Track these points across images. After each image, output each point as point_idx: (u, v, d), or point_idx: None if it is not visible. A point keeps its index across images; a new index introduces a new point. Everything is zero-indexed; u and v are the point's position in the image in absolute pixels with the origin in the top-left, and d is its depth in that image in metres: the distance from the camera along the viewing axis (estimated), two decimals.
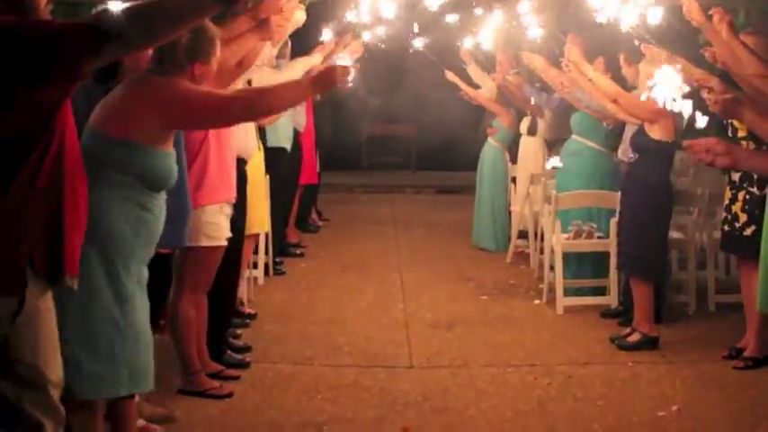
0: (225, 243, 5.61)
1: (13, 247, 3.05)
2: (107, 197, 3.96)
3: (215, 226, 5.48)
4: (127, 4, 3.04)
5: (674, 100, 4.45)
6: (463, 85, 10.44)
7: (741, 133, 6.17)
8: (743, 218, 6.24)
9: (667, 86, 4.46)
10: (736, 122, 6.20)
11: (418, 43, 10.15)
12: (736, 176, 6.33)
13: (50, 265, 3.18)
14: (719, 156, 3.96)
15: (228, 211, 5.62)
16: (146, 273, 4.30)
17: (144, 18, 3.02)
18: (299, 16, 5.78)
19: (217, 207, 5.48)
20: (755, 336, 6.20)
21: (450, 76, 10.39)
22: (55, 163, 3.14)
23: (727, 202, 6.48)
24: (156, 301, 4.67)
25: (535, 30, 7.78)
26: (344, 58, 8.55)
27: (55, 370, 3.28)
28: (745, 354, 6.23)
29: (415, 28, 10.10)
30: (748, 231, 6.15)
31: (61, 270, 3.23)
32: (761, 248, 5.43)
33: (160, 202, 4.25)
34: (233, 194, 5.66)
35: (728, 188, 6.49)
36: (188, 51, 4.53)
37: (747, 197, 6.22)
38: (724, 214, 6.51)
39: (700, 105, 4.93)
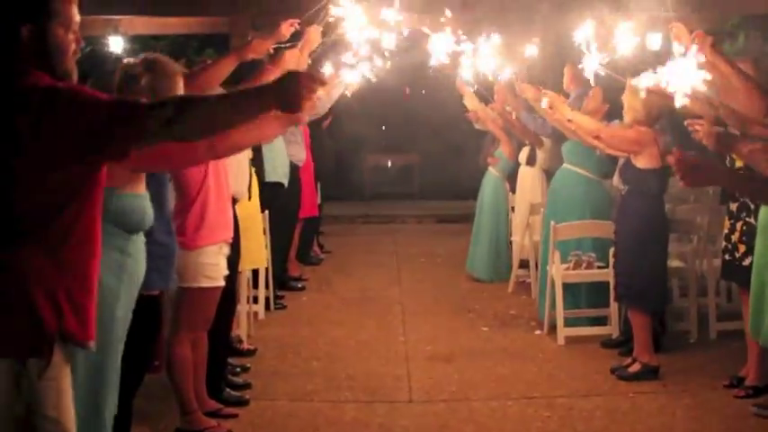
0: (223, 283, 5.62)
1: (50, 310, 3.08)
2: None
3: (214, 267, 5.50)
4: (178, 99, 3.09)
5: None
6: (475, 103, 10.21)
7: (739, 163, 6.17)
8: (741, 248, 6.23)
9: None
10: (735, 155, 6.21)
11: (433, 62, 10.04)
12: (734, 207, 6.33)
13: (79, 330, 3.21)
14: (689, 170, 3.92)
15: (227, 251, 5.64)
16: (129, 318, 4.31)
17: (192, 118, 3.09)
18: (302, 62, 5.82)
19: (216, 248, 5.51)
20: (756, 364, 6.17)
21: (463, 90, 10.17)
22: (84, 225, 3.18)
23: (726, 231, 6.48)
24: (148, 342, 4.68)
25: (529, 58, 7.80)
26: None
27: (73, 425, 3.30)
28: (747, 383, 6.20)
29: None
30: (746, 261, 6.12)
31: (87, 334, 3.26)
32: (751, 277, 5.43)
33: (138, 244, 4.26)
34: (230, 234, 5.68)
35: (727, 218, 6.49)
36: (149, 90, 4.50)
37: (745, 228, 6.21)
38: (724, 243, 6.51)
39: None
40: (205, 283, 5.47)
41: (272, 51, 5.29)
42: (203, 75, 5.45)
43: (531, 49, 7.30)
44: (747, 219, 6.20)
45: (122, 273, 4.15)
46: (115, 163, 3.32)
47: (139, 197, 4.21)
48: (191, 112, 3.08)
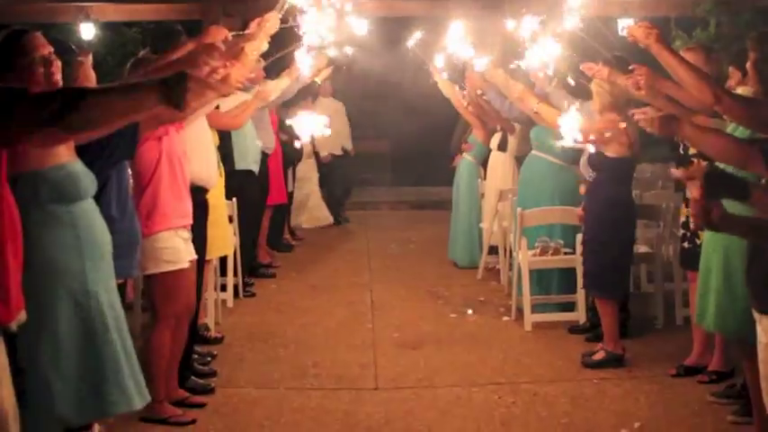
0: (187, 265, 5.61)
1: None
2: (38, 232, 3.94)
3: (172, 250, 5.49)
4: (69, 90, 3.11)
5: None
6: (448, 89, 10.29)
7: (692, 150, 6.18)
8: (701, 235, 6.24)
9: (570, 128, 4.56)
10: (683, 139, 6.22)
11: (411, 42, 10.04)
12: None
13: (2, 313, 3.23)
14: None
15: (185, 235, 5.62)
16: (111, 286, 4.30)
17: (92, 107, 3.11)
18: (263, 45, 5.78)
19: (171, 233, 5.49)
20: (719, 350, 6.21)
21: (437, 77, 10.20)
22: None
23: (683, 219, 6.48)
24: None
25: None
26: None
27: (13, 406, 3.30)
28: (710, 368, 6.24)
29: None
30: None
31: (10, 316, 3.27)
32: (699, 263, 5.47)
33: (88, 213, 4.21)
34: (187, 221, 5.66)
35: (684, 205, 6.50)
36: None
37: None
38: (682, 231, 6.51)
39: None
40: (165, 268, 5.48)
41: (230, 38, 5.24)
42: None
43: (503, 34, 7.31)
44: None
45: (81, 246, 4.12)
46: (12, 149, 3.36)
47: (66, 166, 4.11)
48: (82, 103, 3.10)
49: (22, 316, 3.46)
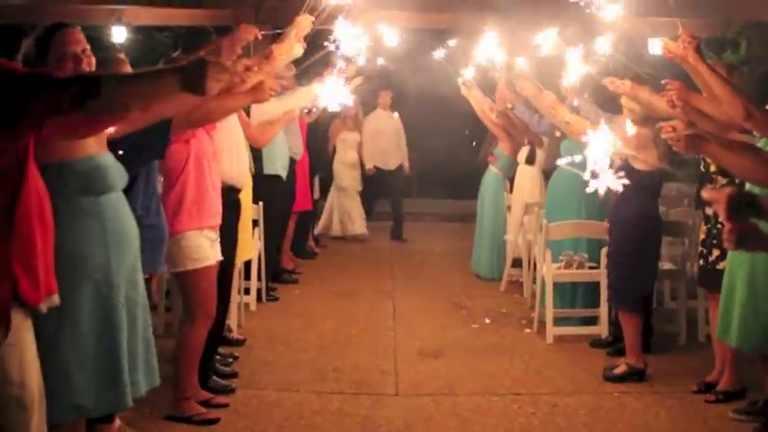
0: (213, 263, 5.65)
1: None
2: (65, 222, 3.97)
3: (196, 248, 5.53)
4: (92, 75, 3.17)
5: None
6: (475, 104, 10.35)
7: (713, 168, 6.19)
8: (715, 252, 6.23)
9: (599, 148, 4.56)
10: (707, 157, 6.22)
11: (438, 54, 10.10)
12: (710, 211, 6.31)
13: (33, 293, 3.27)
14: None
15: (212, 235, 5.66)
16: (136, 279, 4.34)
17: (113, 92, 3.19)
18: (297, 49, 5.83)
19: (196, 232, 5.53)
20: (729, 370, 6.20)
21: (465, 91, 10.24)
22: (28, 201, 3.23)
23: (702, 236, 6.47)
24: None
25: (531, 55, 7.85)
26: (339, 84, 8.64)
27: (40, 390, 3.35)
28: (719, 387, 6.23)
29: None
30: (720, 266, 6.09)
31: (38, 297, 3.32)
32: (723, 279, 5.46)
33: (115, 204, 4.23)
34: (214, 222, 5.69)
35: (703, 223, 6.49)
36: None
37: (719, 232, 6.16)
38: (700, 249, 6.49)
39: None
40: (191, 266, 5.52)
41: (259, 36, 5.29)
42: None
43: (535, 47, 7.34)
44: (721, 223, 6.19)
45: (107, 237, 4.15)
46: (38, 135, 3.39)
47: (94, 158, 4.14)
48: (104, 88, 3.17)
49: (54, 300, 3.51)
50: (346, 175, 13.15)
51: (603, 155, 4.88)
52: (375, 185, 13.76)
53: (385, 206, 14.16)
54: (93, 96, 3.11)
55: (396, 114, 13.56)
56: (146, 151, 4.78)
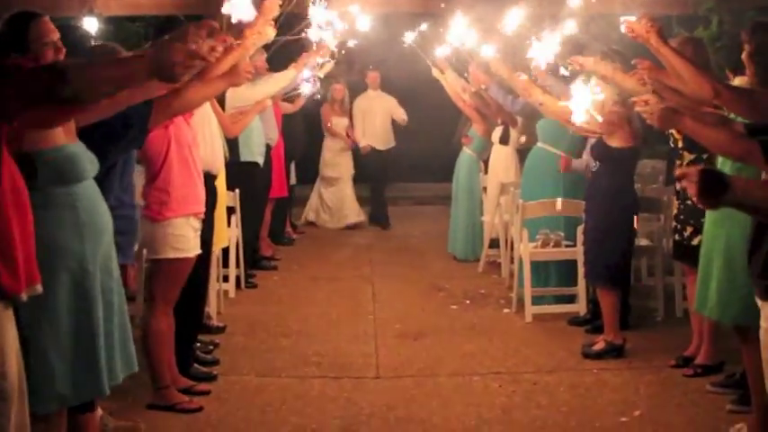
0: (193, 255, 5.65)
1: None
2: (38, 213, 3.95)
3: (182, 238, 5.52)
4: (63, 64, 3.17)
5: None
6: (448, 86, 10.42)
7: (680, 144, 6.24)
8: (689, 229, 6.28)
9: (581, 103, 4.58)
10: (675, 134, 6.27)
11: (408, 38, 10.08)
12: (680, 187, 6.34)
13: (11, 282, 3.26)
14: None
15: (196, 225, 5.66)
16: (111, 267, 4.33)
17: (83, 79, 3.20)
18: (269, 33, 5.82)
19: (183, 220, 5.52)
20: (707, 344, 6.27)
21: (436, 73, 10.37)
22: (2, 193, 3.23)
23: (675, 212, 6.52)
24: None
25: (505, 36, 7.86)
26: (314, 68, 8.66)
27: (20, 380, 3.34)
28: (697, 361, 6.30)
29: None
30: (695, 241, 6.14)
31: (18, 287, 3.31)
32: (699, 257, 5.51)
33: (88, 193, 4.20)
34: (201, 208, 5.70)
35: (675, 198, 6.55)
36: None
37: (692, 208, 6.20)
38: (674, 224, 6.54)
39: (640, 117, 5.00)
40: (173, 254, 5.52)
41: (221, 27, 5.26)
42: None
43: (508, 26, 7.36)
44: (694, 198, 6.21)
45: (81, 227, 4.12)
46: (9, 125, 3.37)
47: (65, 147, 4.09)
48: (74, 75, 3.17)
49: (37, 289, 3.50)
50: (334, 163, 12.95)
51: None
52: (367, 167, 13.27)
53: (361, 190, 14.10)
54: (64, 85, 3.11)
55: (388, 96, 13.14)
56: (124, 141, 4.76)
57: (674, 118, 4.58)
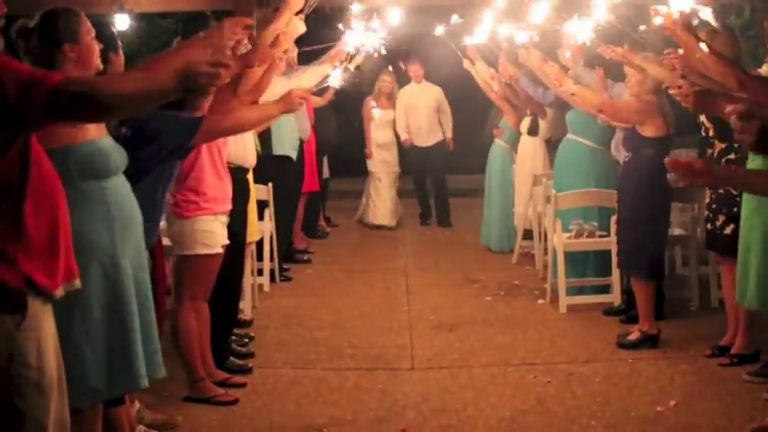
0: (221, 250, 5.69)
1: (11, 269, 3.17)
2: (71, 208, 3.99)
3: (210, 234, 5.57)
4: (91, 81, 3.22)
5: None
6: (478, 77, 10.42)
7: (711, 133, 6.21)
8: (721, 218, 6.26)
9: None
10: (706, 122, 6.24)
11: (439, 30, 10.02)
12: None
13: (48, 281, 3.31)
14: (698, 176, 3.85)
15: (224, 219, 5.70)
16: (141, 261, 4.37)
17: (109, 98, 3.21)
18: (299, 27, 5.86)
19: (211, 216, 5.57)
20: (743, 333, 6.22)
21: (467, 65, 10.36)
22: (36, 188, 3.26)
23: (707, 200, 6.50)
24: None
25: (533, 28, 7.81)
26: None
27: (60, 375, 3.39)
28: (732, 351, 6.26)
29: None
30: (728, 230, 6.16)
31: (54, 284, 3.35)
32: (730, 246, 5.48)
33: (118, 188, 4.24)
34: (228, 206, 5.76)
35: (707, 188, 6.52)
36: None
37: (724, 197, 6.23)
38: (706, 213, 6.53)
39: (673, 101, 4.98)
40: (201, 251, 5.56)
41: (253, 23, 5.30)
42: (161, 61, 5.32)
43: (537, 17, 7.32)
44: (726, 187, 6.22)
45: (111, 221, 4.16)
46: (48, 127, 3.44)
47: (96, 142, 4.13)
48: (101, 92, 3.20)
49: (76, 284, 3.53)
50: (377, 159, 12.38)
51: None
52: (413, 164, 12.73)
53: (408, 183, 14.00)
54: (90, 100, 3.16)
55: (434, 86, 12.49)
56: (169, 155, 4.83)
57: (708, 99, 4.57)
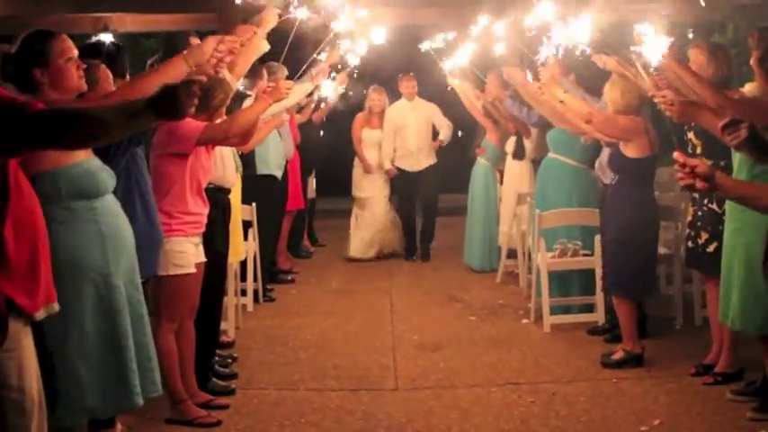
0: (194, 270, 5.66)
1: None
2: (62, 229, 4.00)
3: (181, 255, 5.56)
4: (70, 112, 3.33)
5: None
6: (462, 94, 10.36)
7: (699, 150, 6.22)
8: (704, 235, 6.27)
9: None
10: (694, 139, 6.25)
11: (426, 45, 9.94)
12: (696, 193, 6.32)
13: (29, 303, 3.30)
14: (699, 179, 3.83)
15: (196, 240, 5.69)
16: (135, 280, 4.37)
17: (85, 128, 3.26)
18: (263, 47, 5.88)
19: (183, 237, 5.57)
20: (727, 352, 6.23)
21: (451, 81, 10.30)
22: (16, 212, 3.26)
23: (689, 218, 6.51)
24: None
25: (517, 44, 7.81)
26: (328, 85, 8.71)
27: (39, 395, 3.37)
28: (717, 369, 6.26)
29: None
30: (710, 248, 6.17)
31: (36, 306, 3.34)
32: (713, 265, 5.48)
33: (109, 207, 4.27)
34: (202, 228, 5.75)
35: (690, 205, 6.53)
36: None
37: (707, 214, 6.24)
38: (687, 230, 6.55)
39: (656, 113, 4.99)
40: (173, 271, 5.53)
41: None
42: (144, 80, 5.36)
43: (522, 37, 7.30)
44: (710, 205, 6.21)
45: (103, 240, 4.19)
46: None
47: (83, 163, 4.17)
48: (80, 124, 3.24)
49: (54, 308, 3.52)
50: (367, 183, 11.41)
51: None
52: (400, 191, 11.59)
53: None
54: (69, 131, 3.22)
55: (428, 103, 11.42)
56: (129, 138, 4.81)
57: (693, 110, 4.59)
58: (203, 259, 5.74)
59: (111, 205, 4.31)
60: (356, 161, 11.49)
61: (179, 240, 5.53)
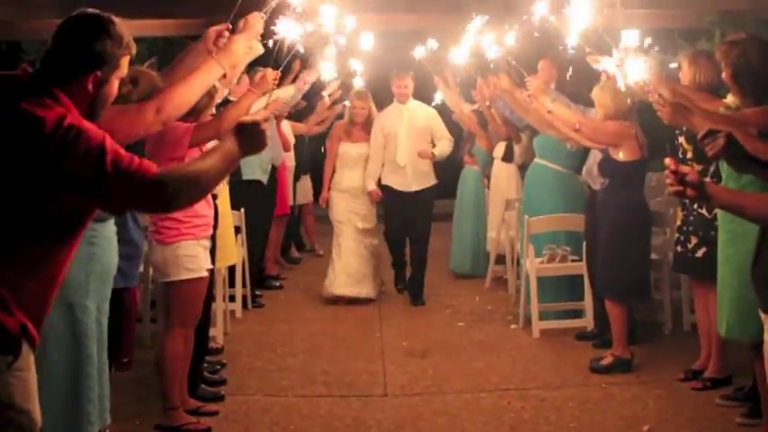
0: (206, 274, 5.68)
1: (12, 316, 3.14)
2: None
3: (193, 258, 5.56)
4: (170, 172, 3.26)
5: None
6: (450, 100, 10.12)
7: (689, 155, 6.23)
8: (693, 240, 6.28)
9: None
10: (685, 144, 6.26)
11: (418, 53, 9.66)
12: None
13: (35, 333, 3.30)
14: (689, 186, 3.82)
15: (206, 243, 5.70)
16: (105, 308, 4.35)
17: (194, 184, 3.25)
18: (256, 49, 5.84)
19: (193, 241, 5.56)
20: (716, 357, 6.25)
21: (440, 87, 10.06)
22: (58, 260, 3.31)
23: (678, 223, 6.53)
24: (114, 339, 4.72)
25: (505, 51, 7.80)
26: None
27: (39, 416, 3.35)
28: (705, 375, 6.28)
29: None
30: (699, 253, 6.20)
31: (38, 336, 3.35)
32: (717, 271, 5.47)
33: (106, 233, 4.28)
34: (209, 232, 5.76)
35: (680, 209, 6.54)
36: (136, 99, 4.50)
37: (697, 219, 6.26)
38: (677, 235, 6.55)
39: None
40: (186, 275, 5.54)
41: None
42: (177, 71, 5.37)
43: (510, 39, 7.29)
44: (699, 210, 6.23)
45: (91, 264, 4.19)
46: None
47: None
48: (178, 181, 3.20)
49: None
50: (343, 208, 9.47)
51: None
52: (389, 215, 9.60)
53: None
54: (169, 186, 3.16)
55: (427, 107, 9.67)
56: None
57: (684, 112, 4.60)
58: (211, 266, 5.79)
59: (108, 232, 4.32)
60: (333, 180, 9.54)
61: (190, 244, 5.54)
